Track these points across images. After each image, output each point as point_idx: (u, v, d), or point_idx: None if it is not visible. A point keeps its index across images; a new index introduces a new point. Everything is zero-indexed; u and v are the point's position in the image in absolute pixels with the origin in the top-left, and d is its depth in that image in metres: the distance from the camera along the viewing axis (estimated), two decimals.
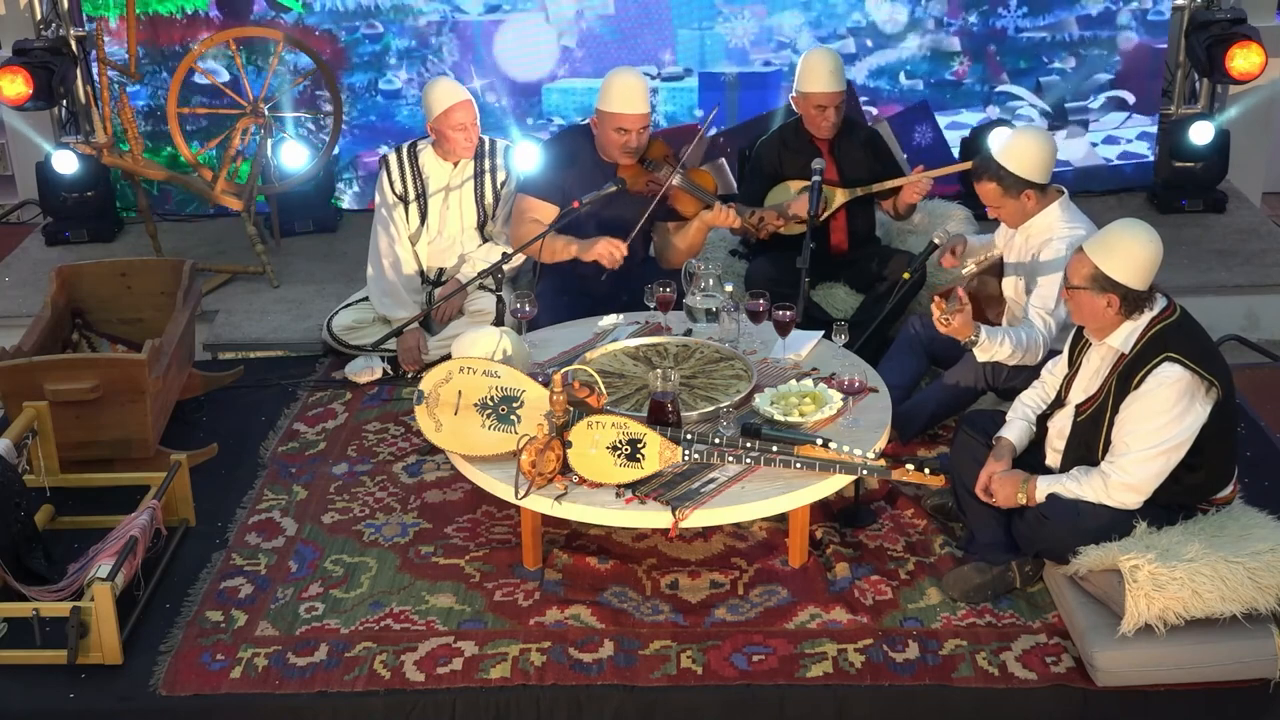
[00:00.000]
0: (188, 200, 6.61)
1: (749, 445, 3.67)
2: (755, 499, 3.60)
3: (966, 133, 6.45)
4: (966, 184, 5.47)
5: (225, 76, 6.41)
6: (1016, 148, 4.17)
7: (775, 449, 3.64)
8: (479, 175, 5.11)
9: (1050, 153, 4.19)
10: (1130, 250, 3.48)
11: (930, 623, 3.68)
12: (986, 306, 4.48)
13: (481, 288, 4.93)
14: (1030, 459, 3.78)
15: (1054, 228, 4.17)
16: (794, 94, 5.09)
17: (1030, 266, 4.21)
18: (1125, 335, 3.53)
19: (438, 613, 3.75)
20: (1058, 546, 3.58)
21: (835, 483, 3.71)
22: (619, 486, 3.62)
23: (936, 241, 4.54)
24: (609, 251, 4.70)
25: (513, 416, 3.75)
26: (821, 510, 4.06)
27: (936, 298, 3.96)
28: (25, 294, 5.86)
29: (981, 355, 4.11)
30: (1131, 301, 3.50)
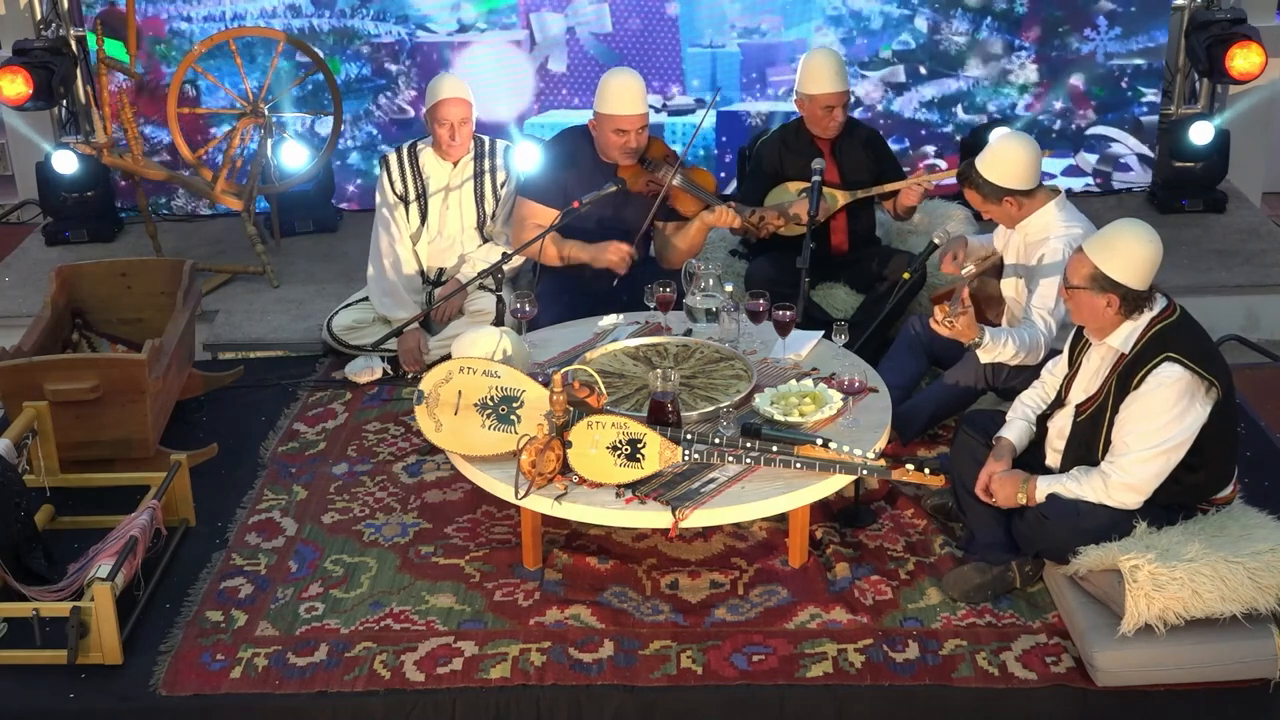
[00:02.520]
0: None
1: (749, 445, 3.67)
2: (755, 499, 3.60)
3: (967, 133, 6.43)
4: None
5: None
6: (994, 157, 4.16)
7: (775, 449, 3.64)
8: (479, 175, 5.11)
9: (1030, 159, 4.15)
10: (1130, 250, 3.48)
11: (930, 623, 3.67)
12: (986, 307, 4.48)
13: (481, 288, 4.93)
14: (1030, 459, 3.78)
15: (1051, 227, 4.17)
16: (796, 95, 5.09)
17: (1029, 266, 4.21)
18: (1125, 335, 3.53)
19: (438, 613, 3.75)
20: (1058, 546, 3.58)
21: (835, 483, 3.71)
22: (619, 486, 3.62)
23: (936, 241, 4.54)
24: (619, 258, 4.71)
25: (513, 416, 3.75)
26: (821, 510, 4.06)
27: (937, 305, 3.96)
28: (25, 294, 5.86)
29: (985, 357, 4.11)
30: (1131, 301, 3.50)
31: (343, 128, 6.30)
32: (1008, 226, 4.28)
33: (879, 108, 6.29)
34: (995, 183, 4.14)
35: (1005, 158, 4.14)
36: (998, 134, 5.16)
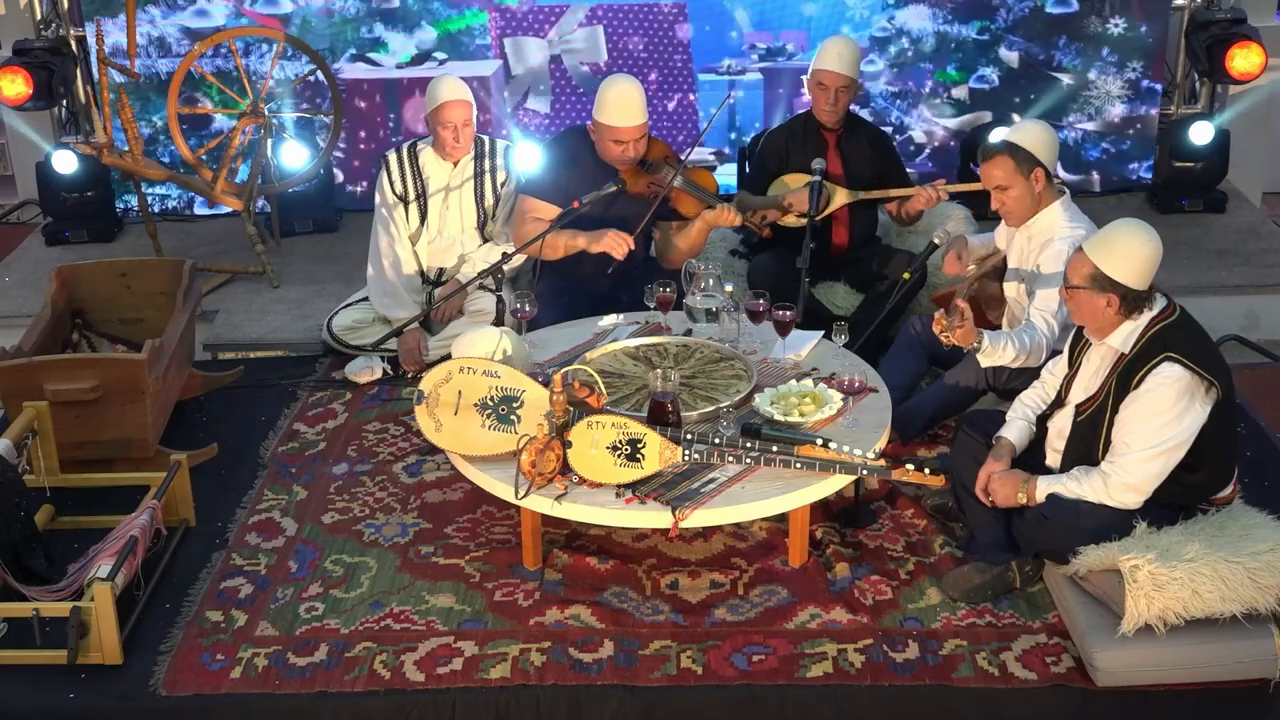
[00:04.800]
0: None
1: (749, 445, 3.67)
2: (755, 499, 3.60)
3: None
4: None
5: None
6: (1025, 130, 4.22)
7: (775, 449, 3.64)
8: (479, 175, 5.11)
9: (1056, 142, 4.23)
10: (1129, 250, 3.48)
11: (930, 623, 3.67)
12: (987, 308, 4.48)
13: (481, 288, 4.92)
14: (1030, 459, 3.78)
15: (1055, 228, 4.17)
16: (807, 75, 5.12)
17: (1032, 267, 4.21)
18: (1125, 335, 3.53)
19: (438, 613, 3.75)
20: (1058, 546, 3.58)
21: (835, 483, 3.71)
22: (619, 486, 3.61)
23: (936, 241, 4.54)
24: (617, 243, 4.70)
25: (513, 416, 3.75)
26: (821, 510, 4.06)
27: (938, 314, 3.93)
28: (25, 294, 5.85)
29: (986, 360, 4.10)
30: (1131, 301, 3.50)
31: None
32: (1018, 216, 4.19)
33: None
34: (1029, 150, 4.13)
35: (1037, 133, 4.20)
36: (1002, 131, 5.20)
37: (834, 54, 4.99)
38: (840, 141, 5.11)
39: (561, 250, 4.81)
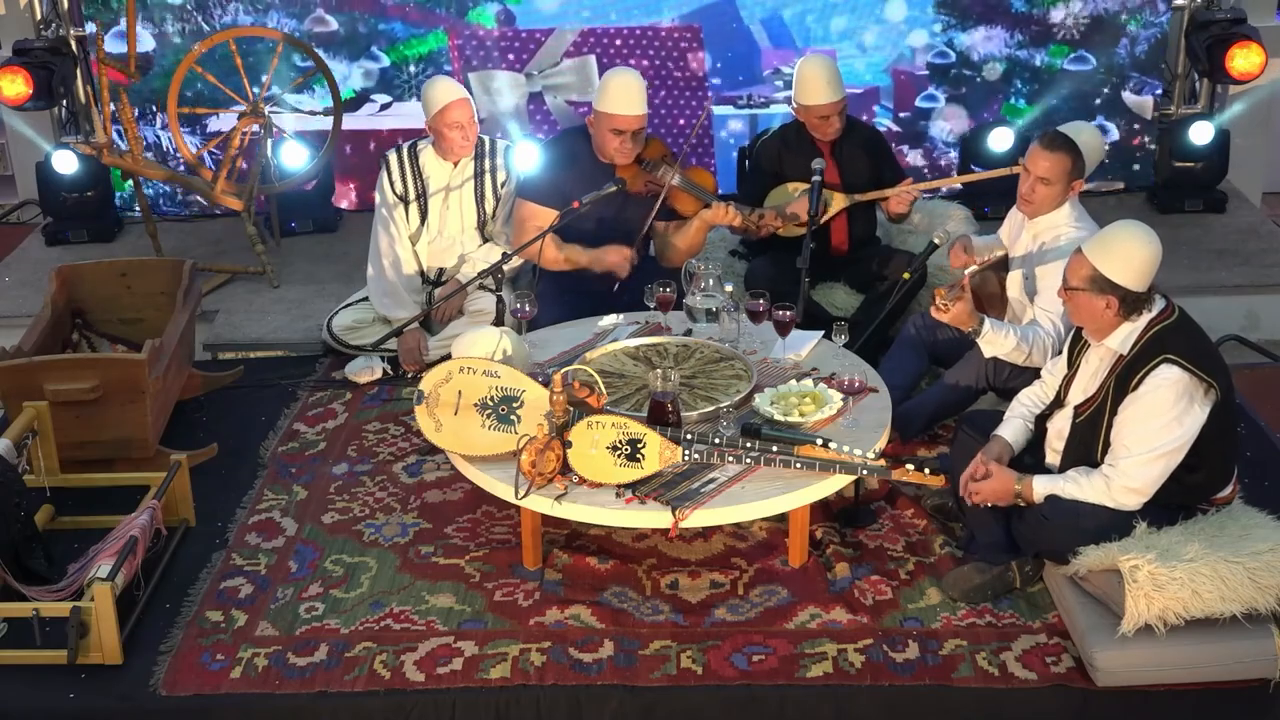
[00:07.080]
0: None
1: (749, 445, 3.67)
2: (755, 499, 3.60)
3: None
4: (965, 184, 5.46)
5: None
6: (1091, 144, 4.26)
7: (775, 449, 3.64)
8: (479, 175, 5.11)
9: (1100, 146, 4.35)
10: (1129, 251, 3.48)
11: (930, 623, 3.67)
12: (988, 305, 4.48)
13: (481, 288, 4.92)
14: (1029, 459, 3.77)
15: (1060, 228, 4.16)
16: (794, 105, 5.08)
17: (1036, 262, 4.20)
18: (1124, 336, 3.53)
19: (438, 613, 3.75)
20: (1058, 547, 3.58)
21: (835, 483, 3.71)
22: (619, 486, 3.62)
23: (936, 241, 4.54)
24: (621, 262, 4.71)
25: (513, 416, 3.75)
26: (821, 510, 4.06)
27: (937, 291, 3.95)
28: (25, 294, 5.85)
29: (987, 348, 4.10)
30: (1130, 303, 3.49)
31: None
32: (1036, 213, 4.19)
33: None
34: (1086, 161, 4.16)
35: (1095, 146, 4.30)
36: (1004, 132, 5.18)
37: (823, 84, 4.91)
38: (835, 148, 5.08)
39: (561, 264, 4.82)
